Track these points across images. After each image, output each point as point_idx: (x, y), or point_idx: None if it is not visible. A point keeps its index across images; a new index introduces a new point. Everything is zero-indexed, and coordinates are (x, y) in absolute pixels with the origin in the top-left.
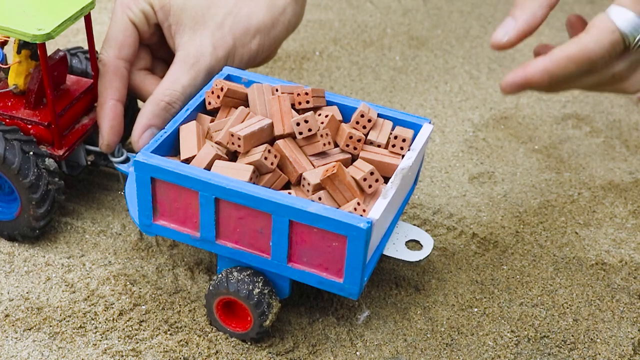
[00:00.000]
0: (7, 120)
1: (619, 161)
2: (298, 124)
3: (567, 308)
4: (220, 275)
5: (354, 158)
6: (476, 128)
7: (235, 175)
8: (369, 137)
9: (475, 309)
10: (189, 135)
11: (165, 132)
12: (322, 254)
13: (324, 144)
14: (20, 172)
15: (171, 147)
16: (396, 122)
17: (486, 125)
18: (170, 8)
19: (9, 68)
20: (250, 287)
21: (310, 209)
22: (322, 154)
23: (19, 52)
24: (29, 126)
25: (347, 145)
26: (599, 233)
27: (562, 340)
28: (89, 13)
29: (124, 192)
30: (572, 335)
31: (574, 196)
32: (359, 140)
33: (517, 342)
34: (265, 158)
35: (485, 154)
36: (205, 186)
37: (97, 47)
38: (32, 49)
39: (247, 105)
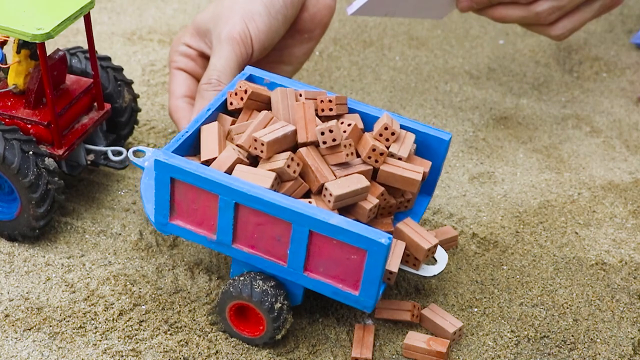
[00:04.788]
0: (7, 120)
1: (619, 161)
2: (323, 133)
3: (567, 308)
4: (243, 279)
5: (375, 170)
6: (476, 128)
7: (256, 181)
8: (390, 149)
9: (475, 309)
10: (210, 136)
11: (187, 132)
12: (340, 266)
13: (347, 155)
14: (20, 172)
15: (190, 146)
16: (418, 134)
17: (486, 125)
18: (199, 27)
19: (8, 68)
20: (273, 300)
21: (332, 221)
22: (344, 164)
23: (18, 51)
24: (29, 126)
25: (369, 157)
26: (599, 233)
27: (562, 340)
28: (89, 13)
29: (139, 187)
30: (572, 335)
31: (574, 196)
32: (381, 154)
33: (517, 342)
34: (288, 166)
35: (485, 154)
36: (226, 190)
37: (97, 47)
38: (31, 48)
39: (269, 108)
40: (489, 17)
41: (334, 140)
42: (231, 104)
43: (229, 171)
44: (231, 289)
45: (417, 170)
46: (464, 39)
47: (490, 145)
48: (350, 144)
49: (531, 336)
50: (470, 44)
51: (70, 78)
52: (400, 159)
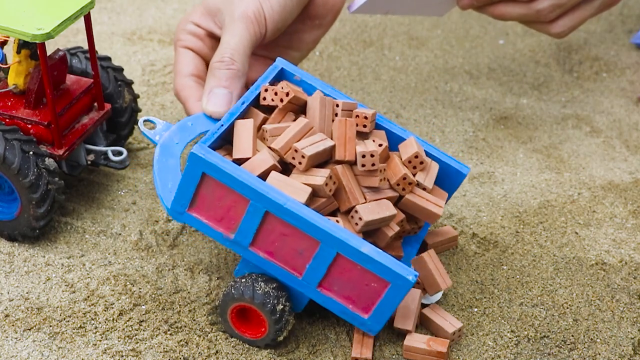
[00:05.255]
0: (7, 120)
1: (619, 161)
2: (364, 156)
3: (567, 308)
4: (244, 281)
5: (399, 196)
6: (476, 128)
7: (291, 193)
8: (416, 177)
9: (475, 309)
10: (244, 133)
11: (222, 125)
12: (356, 289)
13: (381, 180)
14: (20, 172)
15: (219, 137)
16: (439, 164)
17: (486, 125)
18: (209, 7)
19: (8, 68)
20: (275, 301)
21: (363, 249)
22: (374, 188)
23: (18, 51)
24: (29, 126)
25: (398, 184)
26: (599, 233)
27: (562, 340)
28: (89, 13)
29: (153, 167)
30: (572, 335)
31: (574, 196)
32: (410, 183)
33: (517, 342)
34: (326, 184)
35: (485, 154)
36: (260, 197)
37: (97, 47)
38: (31, 48)
39: (303, 110)
40: (489, 15)
41: (372, 165)
42: (264, 99)
43: (262, 176)
44: (233, 291)
45: (439, 204)
46: (464, 39)
47: (490, 145)
48: (384, 169)
49: (531, 336)
50: (470, 44)
51: (70, 78)
52: (424, 189)
